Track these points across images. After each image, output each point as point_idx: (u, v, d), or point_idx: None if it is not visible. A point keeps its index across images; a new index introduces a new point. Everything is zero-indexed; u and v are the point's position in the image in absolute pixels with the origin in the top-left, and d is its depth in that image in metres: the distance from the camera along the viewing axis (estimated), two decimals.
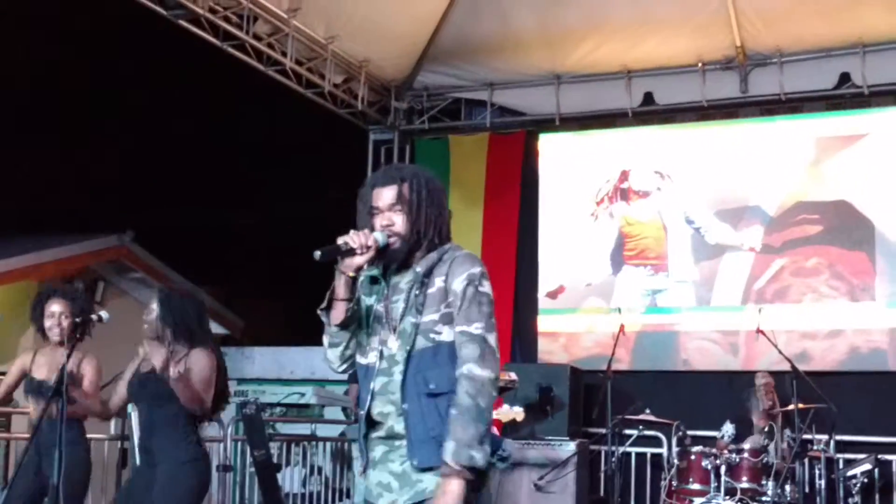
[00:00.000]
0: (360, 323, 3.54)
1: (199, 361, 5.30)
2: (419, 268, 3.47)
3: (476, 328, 3.37)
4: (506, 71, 10.57)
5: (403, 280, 3.50)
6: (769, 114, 10.00)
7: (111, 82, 16.02)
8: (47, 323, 5.71)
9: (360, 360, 3.55)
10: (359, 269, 3.43)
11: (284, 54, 9.27)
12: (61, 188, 16.07)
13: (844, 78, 9.53)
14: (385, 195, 3.50)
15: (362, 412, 3.49)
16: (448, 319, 3.42)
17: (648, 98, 10.24)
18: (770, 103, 9.93)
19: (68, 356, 5.17)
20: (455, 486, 3.23)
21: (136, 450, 5.33)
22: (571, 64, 10.30)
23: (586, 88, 10.44)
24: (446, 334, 3.42)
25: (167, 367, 5.13)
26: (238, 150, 17.57)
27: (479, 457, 3.26)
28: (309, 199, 17.53)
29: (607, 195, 10.33)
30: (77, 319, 5.30)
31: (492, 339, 3.40)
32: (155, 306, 5.35)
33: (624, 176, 10.30)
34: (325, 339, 3.56)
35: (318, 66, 9.77)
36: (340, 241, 3.38)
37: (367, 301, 3.55)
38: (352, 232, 3.41)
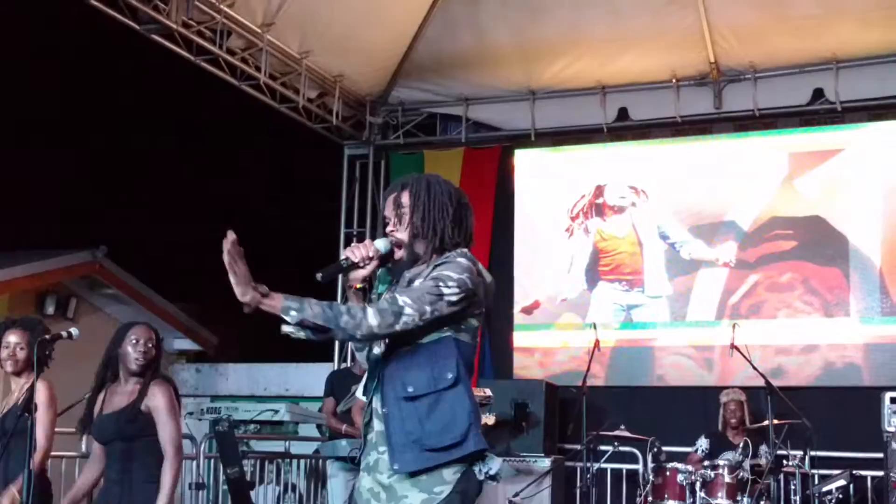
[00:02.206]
0: None
1: (163, 395, 5.20)
2: (409, 274, 3.49)
3: (404, 301, 3.31)
4: (481, 86, 10.57)
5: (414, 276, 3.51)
6: (743, 129, 10.04)
7: (83, 98, 15.92)
8: (3, 353, 5.61)
9: (375, 349, 3.54)
10: (366, 279, 3.45)
11: (258, 69, 9.23)
12: (33, 204, 15.94)
13: (818, 94, 9.59)
14: (388, 203, 3.57)
15: (366, 399, 3.51)
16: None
17: (623, 114, 10.26)
18: (744, 119, 9.97)
19: (33, 384, 5.10)
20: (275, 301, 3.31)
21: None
22: (547, 79, 10.32)
23: (561, 104, 10.46)
24: (422, 336, 3.41)
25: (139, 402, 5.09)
26: (212, 165, 17.47)
27: (303, 314, 3.25)
28: (284, 215, 17.46)
29: (582, 210, 10.34)
30: (47, 337, 5.19)
31: (408, 312, 3.31)
32: (149, 337, 5.28)
33: (599, 191, 10.31)
34: (352, 344, 3.65)
35: (292, 81, 9.73)
36: (342, 256, 3.43)
37: (380, 291, 3.59)
38: (352, 245, 3.45)
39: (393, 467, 3.34)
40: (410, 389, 3.35)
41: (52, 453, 5.49)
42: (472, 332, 3.54)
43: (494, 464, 3.46)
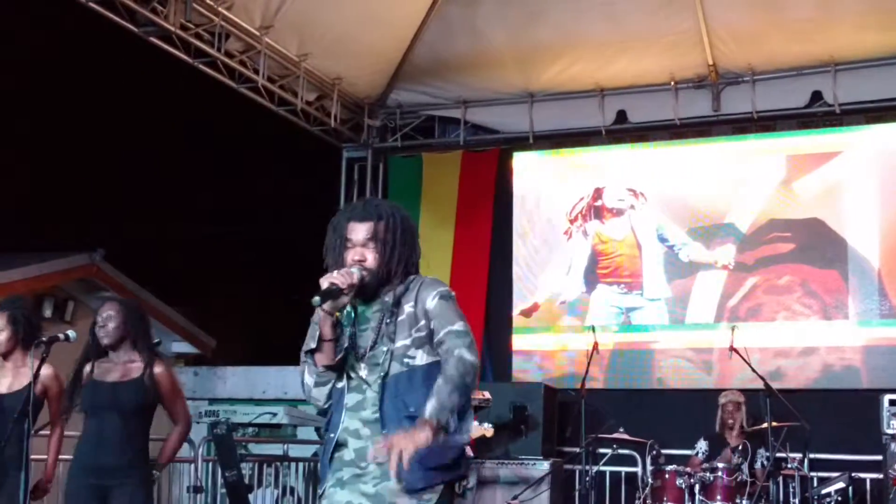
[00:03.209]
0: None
1: (168, 374, 5.26)
2: (387, 298, 3.52)
3: (459, 325, 3.44)
4: (479, 89, 10.57)
5: (370, 310, 3.54)
6: (741, 132, 10.03)
7: (82, 100, 15.92)
8: None
9: (336, 384, 3.56)
10: (342, 307, 3.49)
11: (257, 72, 9.22)
12: (31, 206, 15.94)
13: (816, 96, 9.59)
14: (361, 230, 3.54)
15: (332, 435, 3.49)
16: (420, 343, 3.48)
17: (621, 116, 10.25)
18: (742, 121, 9.96)
19: (35, 376, 5.10)
20: (426, 434, 3.22)
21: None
22: (545, 82, 10.31)
23: (560, 106, 10.45)
24: (419, 358, 3.47)
25: (146, 374, 5.13)
26: (210, 168, 17.48)
27: (453, 424, 3.31)
28: (281, 218, 17.47)
29: (581, 213, 10.33)
30: (44, 339, 5.19)
31: (472, 336, 3.46)
32: (113, 312, 5.28)
33: (597, 194, 10.30)
34: (310, 379, 3.56)
35: (290, 84, 9.73)
36: (326, 282, 3.40)
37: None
38: (336, 273, 3.44)
39: (401, 487, 3.36)
40: (412, 409, 3.38)
41: (35, 456, 5.46)
42: None
43: (472, 479, 3.55)
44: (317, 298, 3.35)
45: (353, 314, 3.56)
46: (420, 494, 3.38)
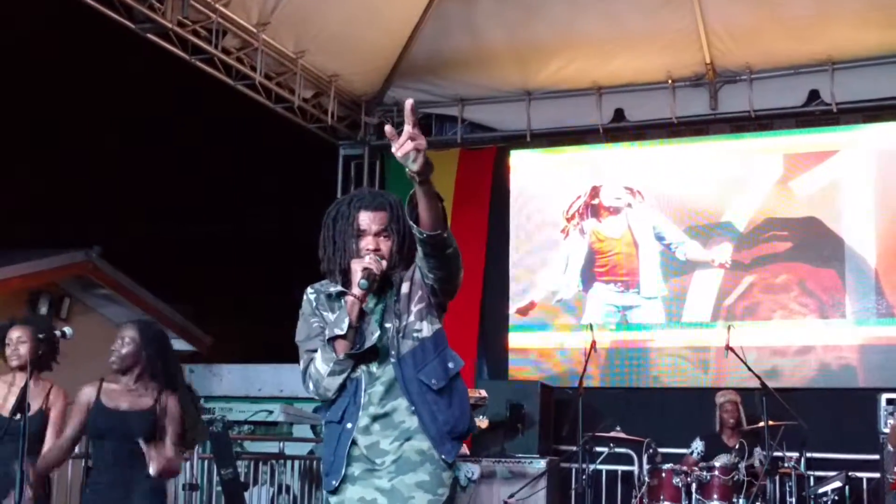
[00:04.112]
0: None
1: (174, 408, 5.19)
2: (393, 279, 3.52)
3: None
4: (476, 86, 10.56)
5: (372, 302, 3.52)
6: (739, 131, 10.03)
7: (78, 97, 15.90)
8: (7, 350, 5.57)
9: (350, 375, 3.52)
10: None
11: (254, 68, 9.21)
12: (27, 203, 15.92)
13: (814, 95, 9.59)
14: (375, 219, 3.53)
15: (351, 425, 3.46)
16: (422, 315, 3.50)
17: (619, 114, 10.25)
18: (740, 120, 9.96)
19: (25, 384, 5.07)
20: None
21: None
22: (542, 80, 10.30)
23: (557, 105, 10.44)
24: (425, 330, 3.50)
25: (159, 405, 5.07)
26: (207, 165, 17.47)
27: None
28: (278, 215, 17.46)
29: (578, 211, 10.32)
30: (40, 336, 5.17)
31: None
32: (130, 338, 5.20)
33: (595, 192, 10.30)
34: (325, 367, 3.47)
35: (287, 81, 9.71)
36: (359, 268, 3.40)
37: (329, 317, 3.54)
38: (367, 259, 3.44)
39: (443, 457, 3.40)
40: (434, 382, 3.44)
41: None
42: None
43: (475, 469, 3.58)
44: (364, 282, 3.35)
45: (384, 307, 3.56)
46: (434, 487, 3.39)
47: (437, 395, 3.42)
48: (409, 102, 3.21)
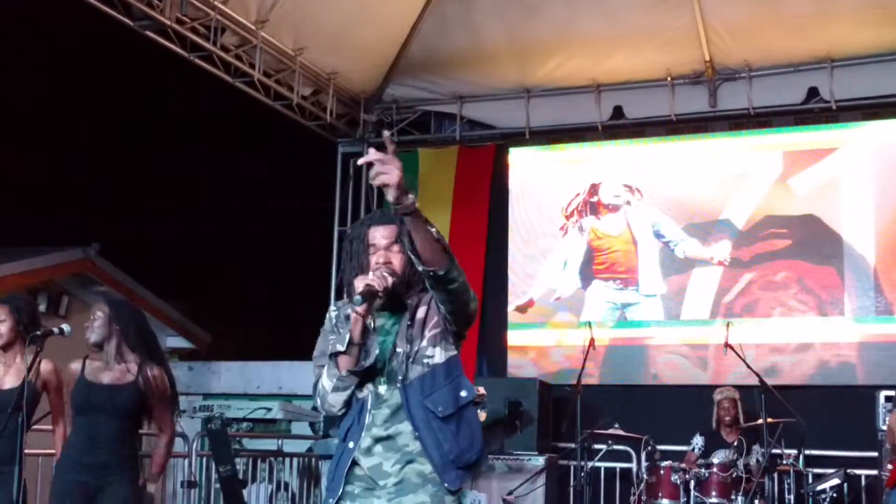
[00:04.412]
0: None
1: (160, 378, 5.22)
2: (410, 301, 3.50)
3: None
4: (475, 84, 10.56)
5: (389, 321, 3.52)
6: (738, 128, 10.03)
7: (76, 94, 15.89)
8: None
9: (356, 393, 3.52)
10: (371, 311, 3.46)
11: (252, 66, 9.21)
12: (25, 200, 15.90)
13: (813, 93, 9.59)
14: (384, 233, 3.51)
15: (352, 445, 3.46)
16: (435, 341, 3.47)
17: (618, 112, 10.25)
18: (739, 118, 9.97)
19: (29, 370, 5.07)
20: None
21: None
22: (541, 77, 10.30)
23: (556, 102, 10.44)
24: (437, 356, 3.47)
25: (141, 377, 5.09)
26: (206, 163, 17.45)
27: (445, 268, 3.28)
28: (277, 213, 17.45)
29: (577, 209, 10.32)
30: (38, 333, 5.16)
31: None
32: (101, 313, 5.26)
33: (594, 190, 10.30)
34: (329, 383, 3.48)
35: (286, 78, 9.71)
36: (362, 284, 3.37)
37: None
38: (371, 274, 3.41)
39: (446, 486, 3.38)
40: (440, 409, 3.41)
41: (29, 451, 5.44)
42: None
43: (482, 498, 3.57)
44: (358, 298, 3.32)
45: (372, 324, 3.52)
46: None
47: (442, 423, 3.38)
48: (385, 134, 3.19)
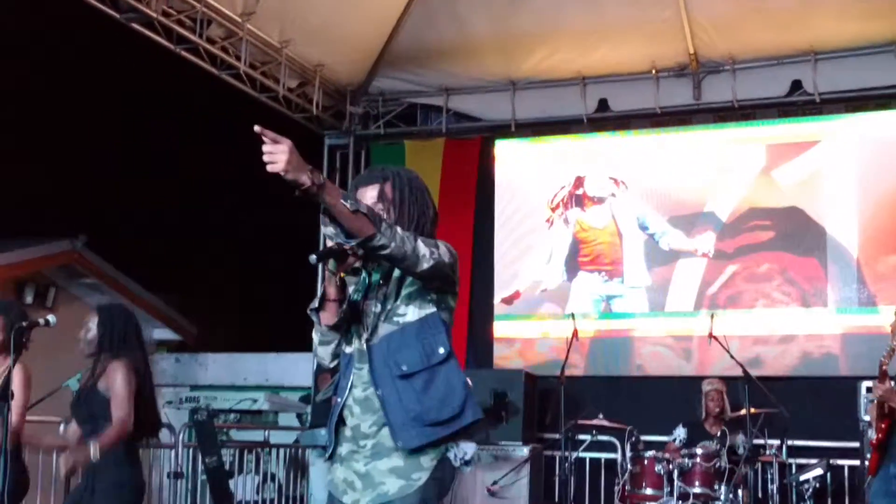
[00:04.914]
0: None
1: (115, 380, 5.12)
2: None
3: (434, 242, 3.40)
4: (461, 76, 10.58)
5: (375, 277, 3.52)
6: (722, 121, 10.07)
7: (64, 84, 15.86)
8: None
9: (344, 348, 3.55)
10: (349, 269, 3.43)
11: (238, 58, 9.21)
12: (12, 192, 15.88)
13: (796, 85, 9.64)
14: (368, 194, 3.50)
15: (339, 400, 3.49)
16: (410, 299, 3.46)
17: (603, 105, 10.28)
18: (723, 110, 10.01)
19: (10, 369, 5.08)
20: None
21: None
22: (527, 70, 10.33)
23: (542, 95, 10.47)
24: (410, 314, 3.45)
25: (97, 382, 5.08)
26: (192, 155, 17.43)
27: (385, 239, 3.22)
28: (263, 205, 17.43)
29: (562, 201, 10.36)
30: (23, 324, 5.16)
31: (444, 257, 3.39)
32: (93, 324, 5.24)
33: (579, 182, 10.33)
34: (315, 337, 3.55)
35: (272, 71, 9.72)
36: (333, 243, 3.34)
37: (349, 291, 3.55)
38: None
39: (397, 445, 3.36)
40: (404, 368, 3.38)
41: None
42: (451, 314, 3.57)
43: (469, 448, 3.50)
44: (313, 257, 3.31)
45: (366, 281, 3.54)
46: (408, 472, 3.38)
47: (407, 381, 3.36)
48: (256, 129, 3.14)
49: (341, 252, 3.32)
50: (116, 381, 5.09)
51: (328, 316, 3.47)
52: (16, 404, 5.17)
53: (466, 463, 3.51)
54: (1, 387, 5.04)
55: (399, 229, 3.27)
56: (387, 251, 3.24)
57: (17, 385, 5.22)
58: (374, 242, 3.20)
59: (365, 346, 3.46)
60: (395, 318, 3.45)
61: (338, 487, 3.51)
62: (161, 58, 9.07)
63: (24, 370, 5.36)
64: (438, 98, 10.84)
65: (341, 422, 3.51)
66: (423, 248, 3.32)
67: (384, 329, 3.45)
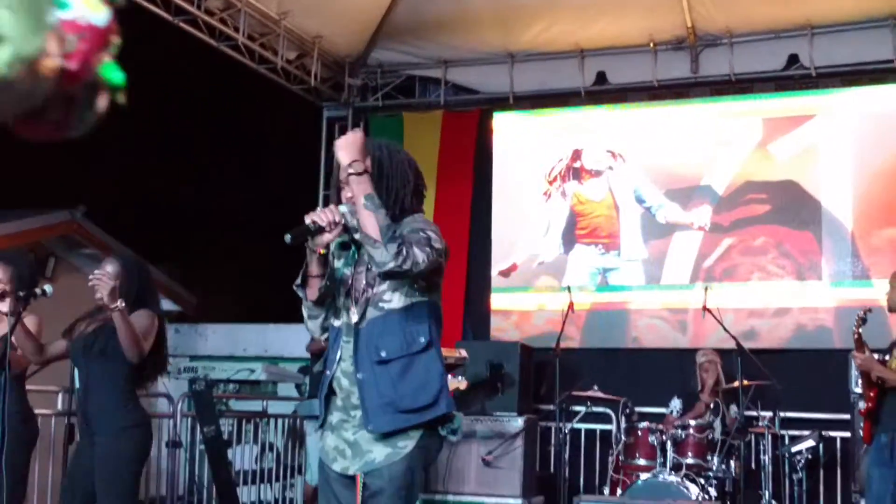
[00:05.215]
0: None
1: (140, 317, 5.26)
2: None
3: (422, 232, 3.47)
4: (460, 48, 10.59)
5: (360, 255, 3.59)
6: (719, 94, 10.09)
7: None
8: None
9: (332, 321, 3.64)
10: (328, 244, 3.48)
11: (237, 30, 9.23)
12: (11, 161, 15.90)
13: (793, 59, 9.65)
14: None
15: (329, 372, 3.55)
16: (396, 286, 3.50)
17: (601, 77, 10.30)
18: (720, 84, 10.02)
19: (11, 330, 5.13)
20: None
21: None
22: (525, 42, 10.34)
23: (540, 67, 10.48)
24: (395, 301, 3.52)
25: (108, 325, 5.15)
26: (191, 126, 17.45)
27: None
28: (262, 177, 17.47)
29: (560, 174, 10.39)
30: (21, 294, 5.22)
31: (435, 245, 3.47)
32: (111, 268, 5.29)
33: (576, 155, 10.36)
34: (304, 310, 3.66)
35: (270, 42, 9.74)
36: (308, 219, 3.42)
37: (338, 265, 3.60)
38: (318, 209, 3.47)
39: (367, 428, 3.45)
40: (383, 354, 3.46)
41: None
42: (439, 292, 3.63)
43: (457, 421, 3.58)
44: (288, 236, 3.36)
45: (355, 255, 3.60)
46: (394, 441, 3.45)
47: (384, 367, 3.44)
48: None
49: (316, 229, 3.38)
50: (142, 319, 5.21)
51: (313, 291, 3.54)
52: (23, 341, 5.24)
53: (453, 432, 3.57)
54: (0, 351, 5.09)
55: (405, 249, 3.35)
56: (377, 262, 3.37)
57: (31, 326, 5.31)
58: (374, 249, 3.34)
59: (353, 323, 3.53)
60: (381, 304, 3.52)
61: (328, 455, 3.59)
62: (159, 29, 9.07)
63: (38, 317, 5.47)
64: (437, 70, 10.85)
65: (332, 392, 3.59)
66: (419, 256, 3.39)
67: (371, 314, 3.52)
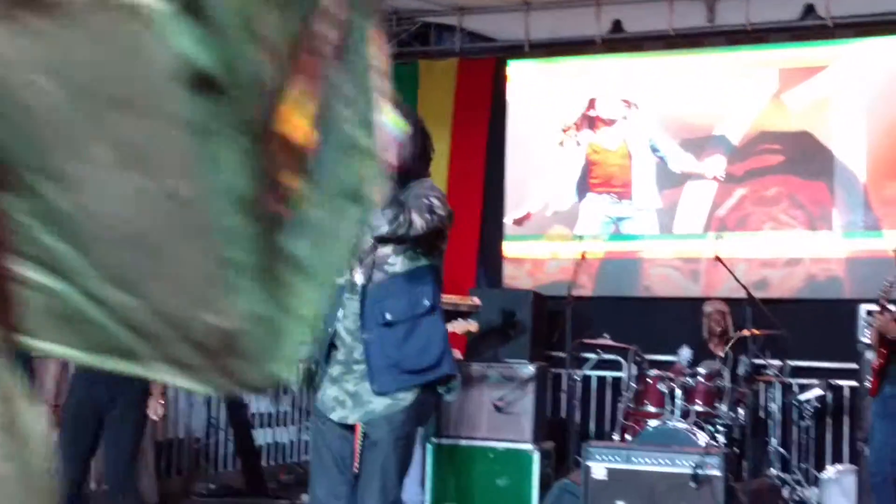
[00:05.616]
0: None
1: None
2: None
3: (426, 199, 3.56)
4: None
5: None
6: (734, 44, 10.06)
7: None
8: None
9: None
10: None
11: None
12: None
13: (809, 9, 9.61)
14: None
15: (330, 330, 3.64)
16: (400, 250, 3.58)
17: (617, 26, 10.27)
18: (736, 33, 9.98)
19: None
20: None
21: None
22: None
23: (556, 15, 10.45)
24: (399, 265, 3.62)
25: None
26: None
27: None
28: None
29: (574, 123, 10.41)
30: None
31: (438, 211, 3.55)
32: None
33: (591, 104, 10.37)
34: None
35: None
36: None
37: None
38: None
39: (373, 388, 3.57)
40: (388, 316, 3.58)
41: None
42: (441, 256, 3.73)
43: (455, 383, 3.69)
44: None
45: None
46: (394, 393, 3.57)
47: (390, 329, 3.55)
48: None
49: None
50: None
51: None
52: None
53: (449, 391, 3.70)
54: None
55: (402, 215, 3.42)
56: (371, 226, 3.43)
57: None
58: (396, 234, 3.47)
59: (356, 280, 3.61)
60: (385, 267, 3.61)
61: (326, 405, 3.69)
62: None
63: None
64: (452, 18, 10.84)
65: (332, 346, 3.68)
66: (417, 222, 3.46)
67: (376, 276, 3.62)
